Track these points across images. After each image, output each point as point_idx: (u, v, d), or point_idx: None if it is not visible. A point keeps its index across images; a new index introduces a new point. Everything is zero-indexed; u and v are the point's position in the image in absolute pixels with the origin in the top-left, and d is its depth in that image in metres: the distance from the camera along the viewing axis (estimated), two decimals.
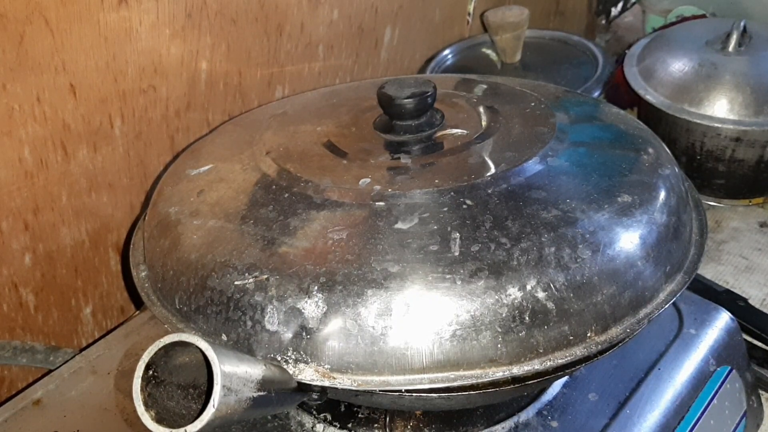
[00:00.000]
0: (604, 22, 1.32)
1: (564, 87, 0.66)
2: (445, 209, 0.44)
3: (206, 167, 0.53)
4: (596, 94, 0.89)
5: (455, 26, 1.04)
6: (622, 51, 1.03)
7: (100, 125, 0.64)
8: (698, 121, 0.81)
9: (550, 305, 0.41)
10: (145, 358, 0.35)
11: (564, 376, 0.46)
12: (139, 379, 0.35)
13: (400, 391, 0.41)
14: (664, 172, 0.50)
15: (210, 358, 0.34)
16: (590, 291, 0.42)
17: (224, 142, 0.57)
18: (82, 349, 0.62)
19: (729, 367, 0.58)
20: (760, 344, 0.68)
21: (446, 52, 1.01)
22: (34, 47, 0.57)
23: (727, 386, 0.57)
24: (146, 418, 0.34)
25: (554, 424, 0.52)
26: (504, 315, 0.40)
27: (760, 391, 0.64)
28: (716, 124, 0.81)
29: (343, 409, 0.53)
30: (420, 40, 0.98)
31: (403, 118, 0.53)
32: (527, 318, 0.40)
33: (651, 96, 0.85)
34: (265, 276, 0.42)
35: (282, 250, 0.43)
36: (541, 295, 0.41)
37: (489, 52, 1.03)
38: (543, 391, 0.54)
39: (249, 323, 0.42)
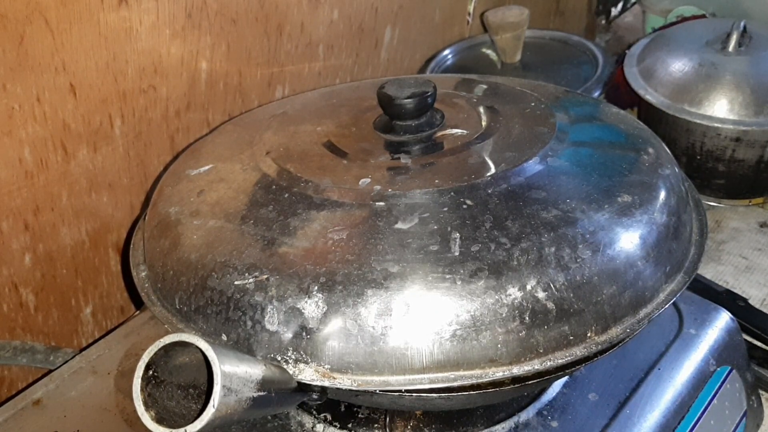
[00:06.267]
0: (604, 22, 1.32)
1: (564, 87, 0.66)
2: (445, 209, 0.44)
3: (206, 167, 0.53)
4: (596, 94, 0.89)
5: (455, 26, 1.04)
6: (622, 51, 1.03)
7: (100, 125, 0.64)
8: (698, 121, 0.81)
9: (550, 305, 0.41)
10: (145, 358, 0.35)
11: (564, 376, 0.46)
12: (139, 379, 0.35)
13: (400, 391, 0.41)
14: (664, 172, 0.50)
15: (210, 358, 0.34)
16: (590, 291, 0.42)
17: (224, 142, 0.57)
18: (82, 349, 0.62)
19: (729, 367, 0.58)
20: (760, 344, 0.68)
21: (446, 52, 1.01)
22: (34, 47, 0.57)
23: (727, 386, 0.57)
24: (146, 418, 0.34)
25: (554, 424, 0.52)
26: (504, 315, 0.40)
27: (760, 391, 0.64)
28: (716, 124, 0.81)
29: (343, 409, 0.53)
30: (420, 40, 0.98)
31: (403, 118, 0.53)
32: (527, 318, 0.40)
33: (651, 96, 0.85)
34: (265, 276, 0.42)
35: (282, 250, 0.43)
36: (541, 295, 0.41)
37: (489, 52, 1.03)
38: (543, 391, 0.54)
39: (249, 323, 0.42)
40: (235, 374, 0.35)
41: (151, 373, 0.35)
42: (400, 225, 0.43)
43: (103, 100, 0.64)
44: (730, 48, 0.84)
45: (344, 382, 0.40)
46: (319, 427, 0.52)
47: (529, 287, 0.41)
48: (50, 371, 0.60)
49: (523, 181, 0.46)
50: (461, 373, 0.40)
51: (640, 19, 1.26)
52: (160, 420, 0.34)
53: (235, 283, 0.43)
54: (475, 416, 0.52)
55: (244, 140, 0.56)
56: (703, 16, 1.09)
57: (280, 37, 0.77)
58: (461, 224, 0.43)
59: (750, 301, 0.71)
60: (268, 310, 0.41)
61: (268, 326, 0.41)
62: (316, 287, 0.41)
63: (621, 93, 0.93)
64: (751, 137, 0.80)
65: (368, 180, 0.47)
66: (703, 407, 0.55)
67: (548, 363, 0.41)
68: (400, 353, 0.40)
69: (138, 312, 0.67)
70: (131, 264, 0.52)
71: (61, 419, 0.55)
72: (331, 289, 0.41)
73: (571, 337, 0.41)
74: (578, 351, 0.41)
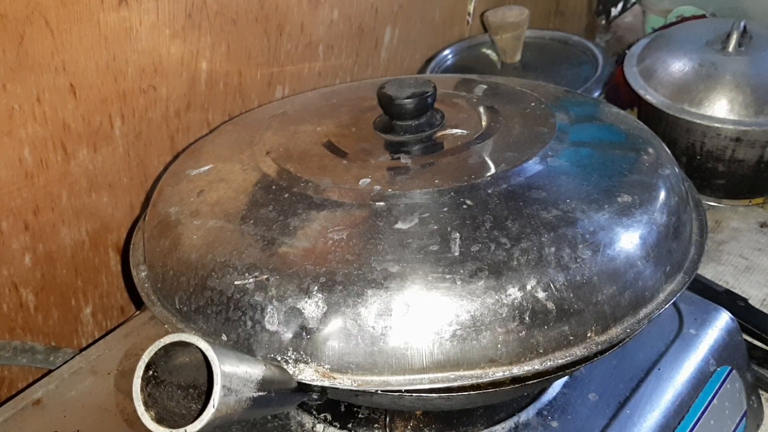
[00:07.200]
0: (604, 22, 1.32)
1: (564, 87, 0.66)
2: (445, 209, 0.44)
3: (206, 167, 0.53)
4: (596, 94, 0.89)
5: (455, 26, 1.04)
6: (622, 51, 1.03)
7: (100, 125, 0.64)
8: (698, 121, 0.81)
9: (550, 305, 0.41)
10: (145, 358, 0.35)
11: (564, 376, 0.46)
12: (139, 379, 0.35)
13: (400, 391, 0.41)
14: (664, 172, 0.50)
15: (210, 358, 0.34)
16: (590, 291, 0.42)
17: (224, 142, 0.57)
18: (82, 349, 0.62)
19: (729, 367, 0.58)
20: (760, 344, 0.68)
21: (446, 52, 1.01)
22: (34, 47, 0.57)
23: (727, 386, 0.57)
24: (146, 419, 0.34)
25: (554, 424, 0.52)
26: (504, 315, 0.40)
27: (760, 391, 0.64)
28: (716, 124, 0.81)
29: (343, 409, 0.53)
30: (420, 40, 0.98)
31: (403, 118, 0.53)
32: (527, 318, 0.40)
33: (651, 96, 0.85)
34: (265, 276, 0.42)
35: (282, 250, 0.43)
36: (541, 295, 0.41)
37: (489, 52, 1.03)
38: (543, 391, 0.54)
39: (249, 323, 0.42)
40: (235, 374, 0.35)
41: (151, 373, 0.35)
42: (400, 225, 0.43)
43: (103, 100, 0.64)
44: (730, 48, 0.84)
45: (344, 382, 0.40)
46: (319, 427, 0.52)
47: (529, 287, 0.41)
48: (50, 371, 0.60)
49: (523, 181, 0.46)
50: (461, 373, 0.40)
51: (640, 19, 1.26)
52: (160, 420, 0.34)
53: (235, 283, 0.43)
54: (475, 416, 0.52)
55: (244, 140, 0.56)
56: (703, 16, 1.09)
57: (280, 37, 0.77)
58: (461, 224, 0.43)
59: (750, 301, 0.71)
60: (268, 310, 0.41)
61: (268, 326, 0.41)
62: (316, 287, 0.41)
63: (621, 93, 0.93)
64: (751, 137, 0.80)
65: (368, 180, 0.47)
66: (703, 407, 0.55)
67: (548, 363, 0.41)
68: (400, 353, 0.40)
69: (138, 312, 0.67)
70: (131, 264, 0.52)
71: (61, 419, 0.55)
72: (331, 289, 0.41)
73: (571, 337, 0.41)
74: (578, 351, 0.41)
